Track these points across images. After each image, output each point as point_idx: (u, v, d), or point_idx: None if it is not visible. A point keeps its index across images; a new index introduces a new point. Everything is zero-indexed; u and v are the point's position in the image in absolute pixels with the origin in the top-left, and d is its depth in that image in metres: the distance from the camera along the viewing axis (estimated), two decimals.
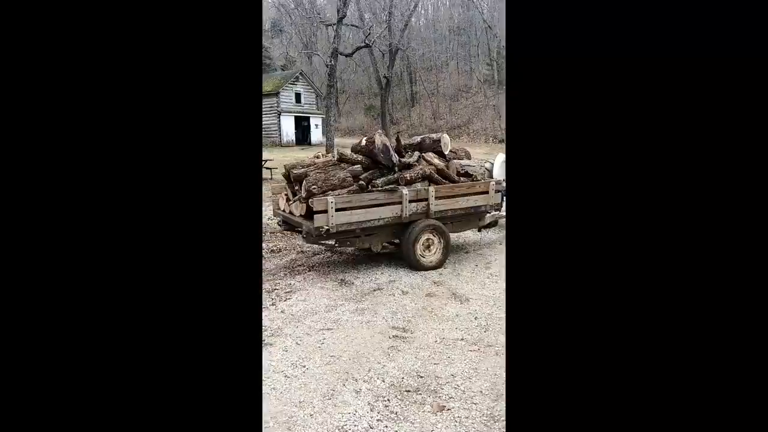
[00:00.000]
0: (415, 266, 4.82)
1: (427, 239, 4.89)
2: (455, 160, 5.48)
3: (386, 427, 2.29)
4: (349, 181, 4.66)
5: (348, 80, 41.37)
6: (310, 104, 30.60)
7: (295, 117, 29.30)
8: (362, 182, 4.63)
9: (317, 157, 5.29)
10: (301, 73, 30.54)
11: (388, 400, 2.52)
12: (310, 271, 4.96)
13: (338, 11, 16.06)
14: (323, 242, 4.68)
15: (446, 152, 5.49)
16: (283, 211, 5.04)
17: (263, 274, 4.88)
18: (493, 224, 6.68)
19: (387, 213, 4.64)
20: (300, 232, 4.89)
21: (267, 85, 28.96)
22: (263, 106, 28.66)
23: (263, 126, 28.34)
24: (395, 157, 4.84)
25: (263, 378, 2.76)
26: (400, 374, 2.79)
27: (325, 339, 3.29)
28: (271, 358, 3.01)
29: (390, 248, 5.01)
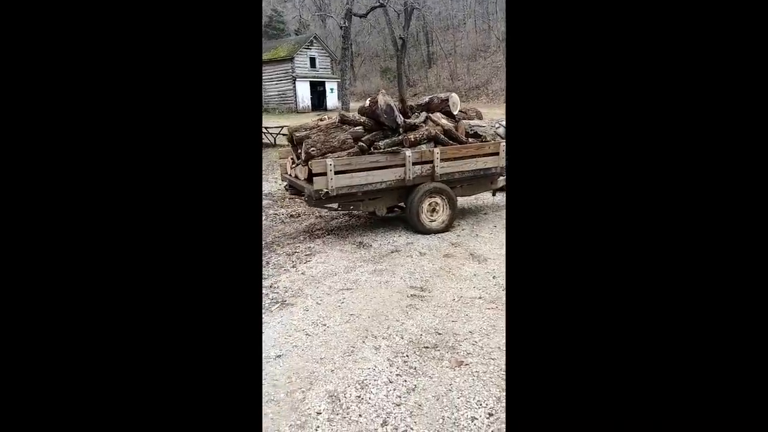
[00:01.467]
0: (420, 230, 4.74)
1: (433, 202, 4.78)
2: (464, 121, 5.30)
3: (405, 381, 2.35)
4: (349, 143, 4.55)
5: (363, 42, 40.52)
6: (325, 68, 30.18)
7: (311, 82, 28.97)
8: (363, 144, 4.50)
9: (321, 120, 5.19)
10: (315, 37, 29.99)
11: (407, 355, 2.57)
12: (328, 234, 5.01)
13: None
14: (326, 205, 4.61)
15: (455, 112, 5.31)
16: (289, 175, 4.98)
17: (284, 237, 4.95)
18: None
19: (390, 176, 4.53)
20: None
21: (281, 51, 28.60)
22: (278, 72, 28.41)
23: (279, 92, 28.19)
24: (400, 118, 4.70)
25: (285, 336, 2.84)
26: (419, 331, 2.83)
27: (344, 299, 3.35)
28: (292, 318, 3.08)
29: (397, 212, 4.94)
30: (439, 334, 2.80)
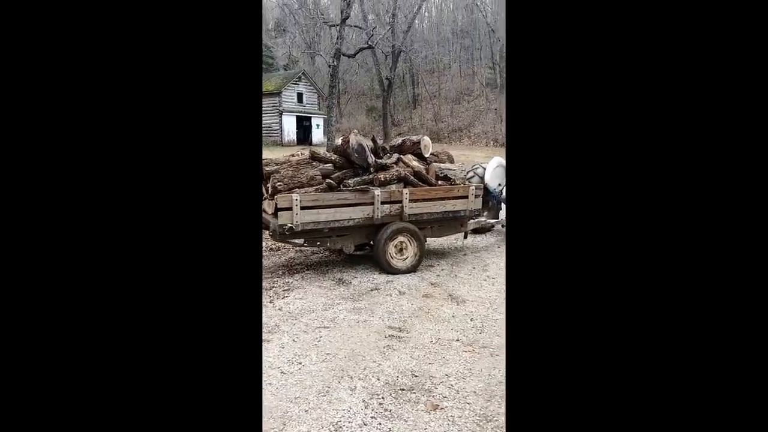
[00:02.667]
0: (387, 269, 4.72)
1: (400, 242, 4.78)
2: (435, 164, 5.38)
3: (380, 424, 2.32)
4: (318, 180, 4.56)
5: (350, 81, 41.42)
6: (312, 104, 30.66)
7: (297, 116, 29.35)
8: (331, 181, 4.51)
9: (293, 156, 5.21)
10: (303, 73, 30.60)
11: (383, 398, 2.55)
12: (307, 269, 4.98)
13: (342, 12, 16.11)
14: (291, 241, 4.59)
15: (426, 155, 5.41)
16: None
17: (262, 271, 4.91)
18: (486, 229, 6.60)
19: (357, 214, 4.53)
20: None
21: (269, 85, 29.02)
22: (265, 106, 28.71)
23: (266, 125, 28.39)
24: (371, 158, 4.74)
25: None
26: (395, 373, 2.81)
27: (321, 337, 3.31)
28: (267, 354, 3.03)
29: (367, 250, 4.91)
30: (416, 376, 2.79)
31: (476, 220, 5.60)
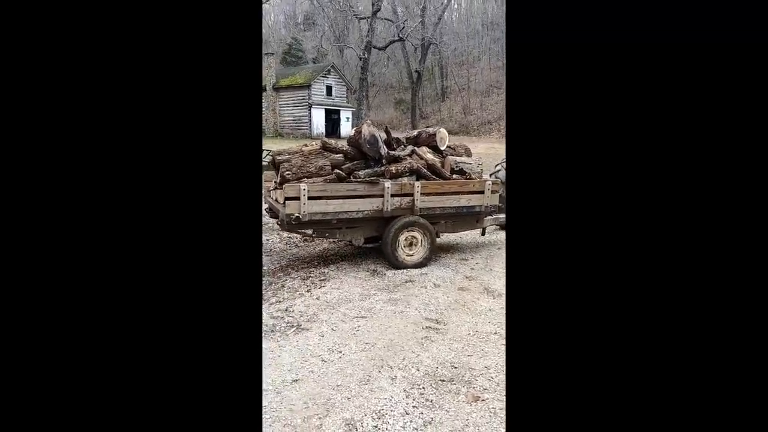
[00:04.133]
0: (395, 264, 4.63)
1: (410, 236, 4.67)
2: (451, 157, 5.19)
3: (422, 413, 2.34)
4: (327, 170, 4.49)
5: (378, 74, 41.38)
6: (340, 97, 30.77)
7: (326, 110, 29.52)
8: (340, 172, 4.45)
9: (306, 146, 5.20)
10: (332, 66, 30.71)
11: (423, 388, 2.57)
12: (342, 260, 5.03)
13: (373, 5, 16.09)
14: (300, 231, 4.52)
15: (442, 147, 5.27)
16: (270, 198, 4.91)
17: (298, 261, 4.99)
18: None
19: (367, 206, 4.45)
20: None
21: (299, 78, 29.25)
22: (294, 99, 28.99)
23: (295, 118, 28.68)
24: (383, 149, 4.63)
25: (301, 361, 2.85)
26: (435, 364, 2.83)
27: (359, 327, 3.35)
28: (308, 343, 3.09)
29: (377, 244, 4.79)
30: (455, 367, 2.80)
31: (494, 216, 5.39)
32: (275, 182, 4.78)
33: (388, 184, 4.51)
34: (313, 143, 5.05)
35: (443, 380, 2.65)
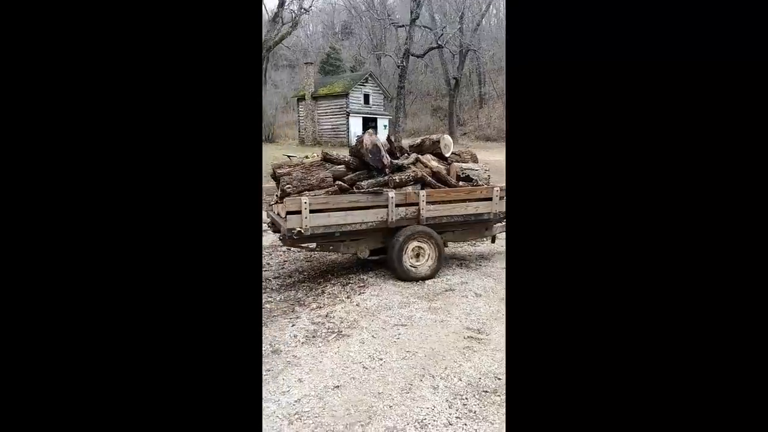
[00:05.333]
0: (402, 276, 4.48)
1: (417, 247, 4.54)
2: (456, 164, 5.05)
3: (465, 425, 2.29)
4: (329, 182, 4.40)
5: (416, 81, 41.43)
6: (378, 105, 30.98)
7: (363, 118, 29.78)
8: (342, 183, 4.35)
9: (307, 157, 5.04)
10: (370, 75, 30.99)
11: (466, 398, 2.52)
12: (380, 267, 5.03)
13: (411, 12, 16.16)
14: (302, 246, 4.41)
15: (447, 155, 5.13)
16: (273, 212, 4.76)
17: (337, 267, 5.02)
18: None
19: (371, 217, 4.31)
20: None
21: (336, 87, 29.65)
22: (332, 107, 29.40)
23: (333, 126, 29.07)
24: (386, 159, 4.52)
25: (342, 367, 2.85)
26: (477, 374, 2.78)
27: (400, 334, 3.33)
28: (349, 349, 3.10)
29: (383, 256, 4.64)
30: (499, 379, 2.73)
31: (503, 223, 5.19)
32: (276, 196, 4.70)
33: (392, 193, 4.38)
34: (315, 155, 4.88)
35: (486, 391, 2.60)
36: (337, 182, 4.41)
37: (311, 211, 4.08)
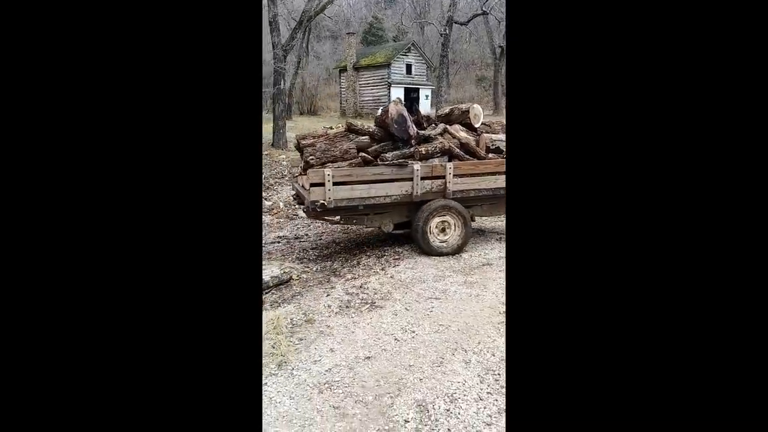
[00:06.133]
0: (427, 250, 4.37)
1: (443, 222, 4.40)
2: (486, 135, 4.83)
3: (496, 400, 2.25)
4: (353, 153, 4.27)
5: (459, 50, 40.25)
6: (420, 75, 30.38)
7: (405, 88, 29.32)
8: (366, 155, 4.22)
9: (331, 128, 4.93)
10: (412, 44, 30.32)
11: (499, 374, 2.47)
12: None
13: None
14: (327, 218, 4.36)
15: (476, 125, 4.90)
16: (297, 184, 4.76)
17: (373, 239, 5.02)
18: None
19: (395, 190, 4.19)
20: None
21: (379, 57, 29.24)
22: (374, 78, 29.09)
23: (374, 97, 28.83)
24: (412, 129, 4.34)
25: (374, 338, 2.85)
26: None
27: (433, 307, 3.30)
28: (381, 321, 3.09)
29: (407, 230, 4.52)
30: None
31: None
32: (300, 167, 4.66)
33: (417, 166, 4.23)
34: (340, 125, 4.76)
35: None
36: (361, 154, 4.30)
37: (334, 184, 4.01)
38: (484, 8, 18.34)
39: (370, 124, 4.76)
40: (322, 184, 3.98)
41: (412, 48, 29.75)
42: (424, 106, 29.21)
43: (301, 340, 2.87)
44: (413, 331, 2.95)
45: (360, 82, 29.58)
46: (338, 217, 4.32)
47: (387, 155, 4.29)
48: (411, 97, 29.59)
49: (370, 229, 5.46)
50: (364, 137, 4.51)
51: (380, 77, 28.93)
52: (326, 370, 2.52)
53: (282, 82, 12.97)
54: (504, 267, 4.08)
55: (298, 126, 16.19)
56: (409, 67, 29.57)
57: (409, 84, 29.38)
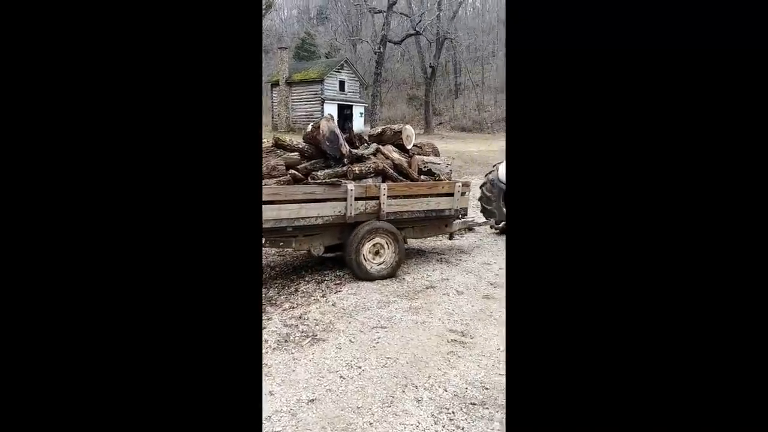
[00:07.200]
0: (360, 275, 4.16)
1: (376, 244, 4.22)
2: (418, 156, 4.78)
3: None
4: (281, 170, 3.97)
5: (392, 69, 40.98)
6: (353, 92, 30.47)
7: (339, 105, 29.26)
8: (296, 172, 3.96)
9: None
10: (346, 61, 30.41)
11: (453, 412, 2.32)
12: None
13: None
14: None
15: (408, 146, 4.87)
16: None
17: (310, 262, 4.76)
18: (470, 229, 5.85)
19: (327, 211, 3.93)
20: None
21: (312, 73, 29.01)
22: (307, 94, 28.79)
23: (307, 113, 28.48)
24: (345, 147, 4.17)
25: (318, 377, 2.62)
26: (463, 384, 2.58)
27: (379, 338, 3.11)
28: (324, 356, 2.86)
29: (338, 252, 4.28)
30: (486, 388, 2.54)
31: (462, 219, 4.97)
32: None
33: (351, 186, 4.00)
34: (265, 141, 4.47)
35: (474, 403, 2.40)
36: (290, 171, 4.01)
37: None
38: (416, 28, 18.75)
39: (299, 140, 4.51)
40: None
41: (345, 65, 29.85)
42: (358, 124, 29.28)
43: None
44: (359, 367, 2.74)
45: (293, 97, 29.17)
46: (263, 240, 3.96)
47: (318, 174, 4.02)
48: (345, 114, 29.59)
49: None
50: (293, 153, 4.22)
51: (313, 92, 28.70)
52: (265, 418, 2.25)
53: None
54: (446, 291, 4.00)
55: None
56: (342, 84, 29.59)
57: (342, 101, 29.38)
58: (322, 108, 28.41)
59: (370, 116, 21.76)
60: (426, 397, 2.45)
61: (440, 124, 32.46)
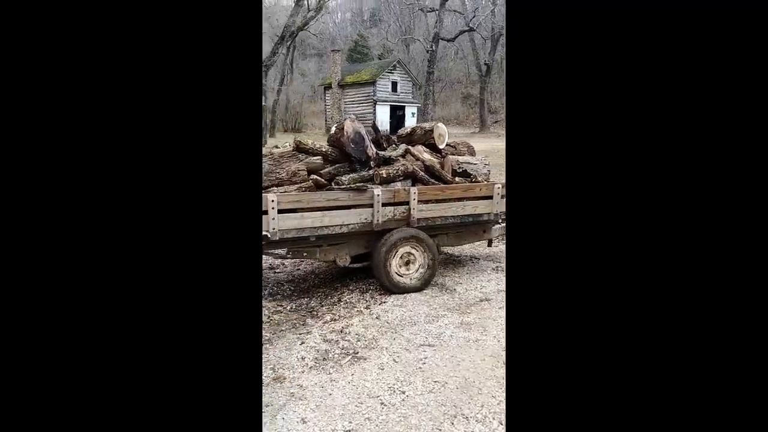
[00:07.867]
0: (388, 287, 3.81)
1: (406, 253, 3.88)
2: (452, 157, 4.35)
3: None
4: (302, 176, 3.66)
5: (445, 69, 40.40)
6: (406, 93, 30.26)
7: (391, 106, 29.13)
8: (318, 178, 3.65)
9: (276, 147, 4.29)
10: (398, 62, 30.26)
11: None
12: None
13: None
14: (270, 252, 3.62)
15: (441, 146, 4.43)
16: None
17: (354, 271, 4.53)
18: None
19: (353, 218, 3.62)
20: None
21: (364, 75, 29.10)
22: (359, 96, 28.89)
23: (359, 115, 28.58)
24: (371, 149, 3.83)
25: (357, 401, 2.36)
26: None
27: (426, 358, 2.82)
28: (365, 377, 2.60)
29: (366, 263, 3.96)
30: None
31: (503, 224, 4.47)
32: None
33: (378, 191, 3.68)
34: (287, 144, 4.18)
35: None
36: (313, 176, 3.70)
37: (280, 211, 3.36)
38: (470, 25, 18.24)
39: (317, 142, 4.24)
40: (265, 212, 3.31)
41: (397, 65, 29.71)
42: (411, 124, 28.98)
43: (267, 406, 2.36)
44: (403, 392, 2.46)
45: (345, 100, 29.39)
46: (285, 251, 3.66)
47: (343, 178, 3.70)
48: (397, 115, 29.46)
49: None
50: (315, 157, 3.91)
51: (365, 94, 28.77)
52: None
53: (263, 99, 12.56)
54: (503, 304, 3.62)
55: (279, 143, 15.76)
56: (394, 85, 29.47)
57: (395, 101, 29.25)
58: (374, 109, 28.41)
59: (422, 116, 21.44)
60: (478, 430, 2.14)
61: (496, 122, 31.56)
